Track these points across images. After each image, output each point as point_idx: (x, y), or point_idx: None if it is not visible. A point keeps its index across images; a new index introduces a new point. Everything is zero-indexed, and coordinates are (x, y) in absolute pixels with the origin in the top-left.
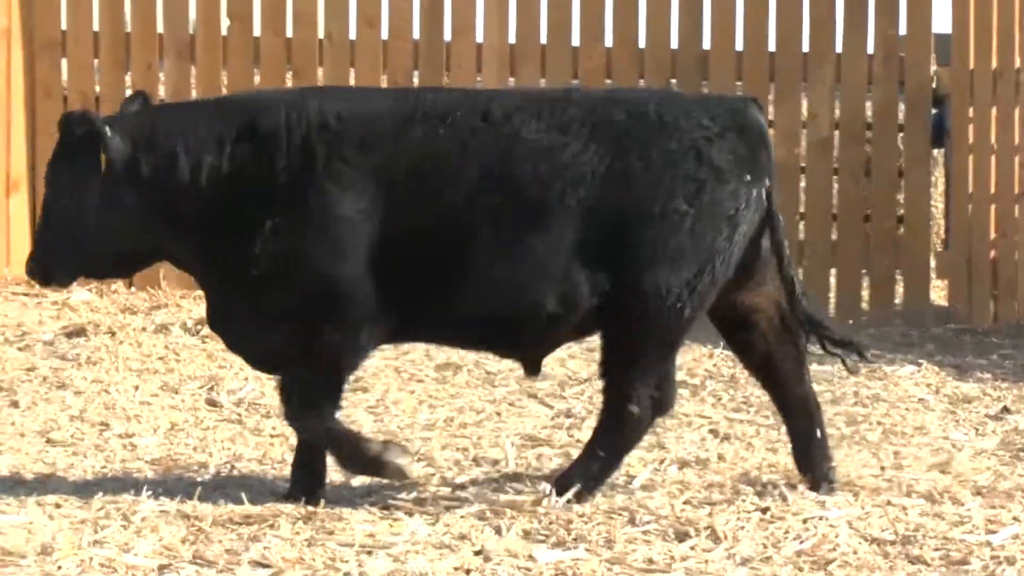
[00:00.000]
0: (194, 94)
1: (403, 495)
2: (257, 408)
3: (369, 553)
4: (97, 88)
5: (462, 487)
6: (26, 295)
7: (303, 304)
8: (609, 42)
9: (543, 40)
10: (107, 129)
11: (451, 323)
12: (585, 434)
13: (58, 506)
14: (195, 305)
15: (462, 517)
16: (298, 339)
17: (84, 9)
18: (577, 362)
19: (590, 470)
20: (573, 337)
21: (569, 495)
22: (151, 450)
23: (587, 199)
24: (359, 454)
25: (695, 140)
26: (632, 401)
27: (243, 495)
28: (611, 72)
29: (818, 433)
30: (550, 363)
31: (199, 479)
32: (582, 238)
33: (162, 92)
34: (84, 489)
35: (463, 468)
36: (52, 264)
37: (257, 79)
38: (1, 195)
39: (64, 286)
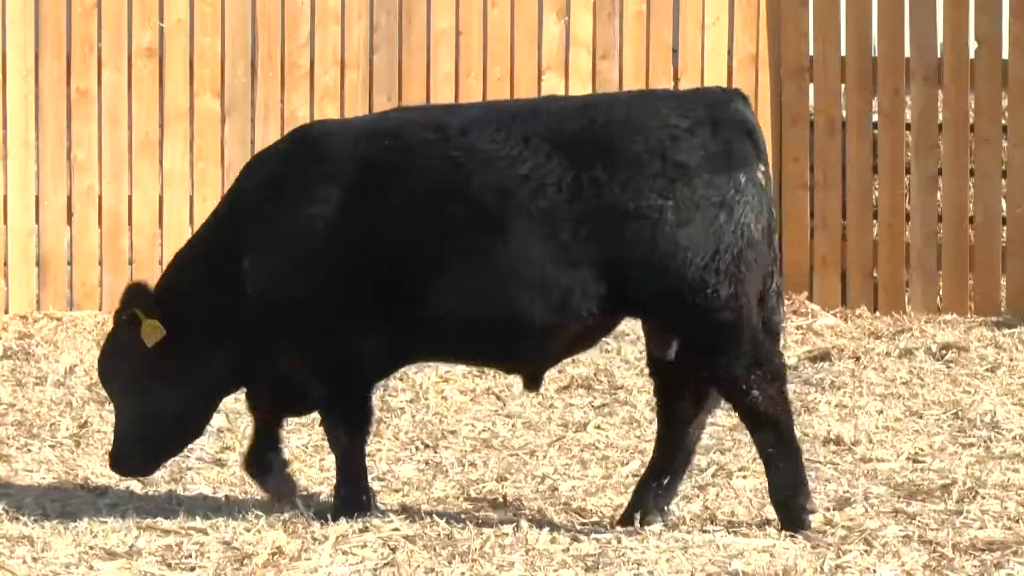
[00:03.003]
0: (940, 118)
1: None
2: (1002, 433)
3: None
4: (844, 113)
5: None
6: None
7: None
8: None
9: None
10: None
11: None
12: None
13: None
14: (939, 330)
15: None
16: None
17: (832, 35)
18: None
19: (778, 471)
20: (572, 350)
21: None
22: (894, 475)
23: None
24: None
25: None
26: (749, 388)
27: (987, 520)
28: None
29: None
30: None
31: (939, 506)
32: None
33: (908, 116)
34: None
35: None
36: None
37: (1004, 102)
38: None
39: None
